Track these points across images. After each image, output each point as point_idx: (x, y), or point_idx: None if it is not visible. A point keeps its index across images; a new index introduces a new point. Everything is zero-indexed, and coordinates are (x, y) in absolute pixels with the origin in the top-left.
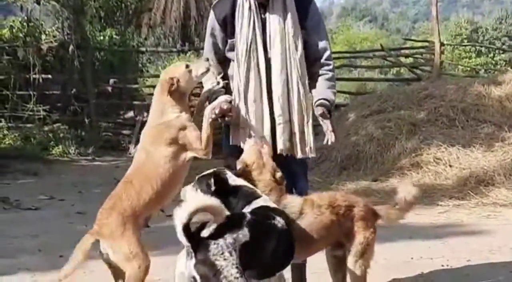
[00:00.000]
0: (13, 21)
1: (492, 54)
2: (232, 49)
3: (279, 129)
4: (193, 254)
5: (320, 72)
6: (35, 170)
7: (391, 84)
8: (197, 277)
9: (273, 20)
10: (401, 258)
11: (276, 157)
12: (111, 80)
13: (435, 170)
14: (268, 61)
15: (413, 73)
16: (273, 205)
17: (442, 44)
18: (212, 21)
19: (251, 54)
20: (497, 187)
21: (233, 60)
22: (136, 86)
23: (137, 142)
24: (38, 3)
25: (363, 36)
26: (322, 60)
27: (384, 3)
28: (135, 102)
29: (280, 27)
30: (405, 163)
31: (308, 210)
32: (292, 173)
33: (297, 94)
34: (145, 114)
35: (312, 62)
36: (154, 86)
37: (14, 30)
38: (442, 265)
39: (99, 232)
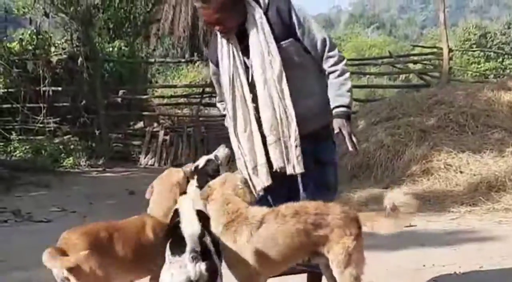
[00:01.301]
0: (23, 34)
1: (501, 59)
2: None
3: (271, 149)
4: (199, 258)
5: (328, 69)
6: (47, 182)
7: (400, 91)
8: (206, 278)
9: (252, 44)
10: (413, 266)
11: (287, 178)
12: (121, 92)
13: (446, 176)
14: (252, 87)
15: (422, 79)
16: None
17: (450, 50)
18: (211, 66)
19: (235, 83)
20: (509, 193)
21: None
22: (145, 97)
23: (147, 152)
24: (47, 16)
25: (371, 43)
26: (326, 54)
27: (391, 9)
28: (145, 113)
29: (258, 49)
30: (416, 170)
31: (270, 220)
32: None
33: (279, 110)
34: (155, 124)
35: (321, 61)
36: (163, 97)
37: (23, 43)
38: (455, 272)
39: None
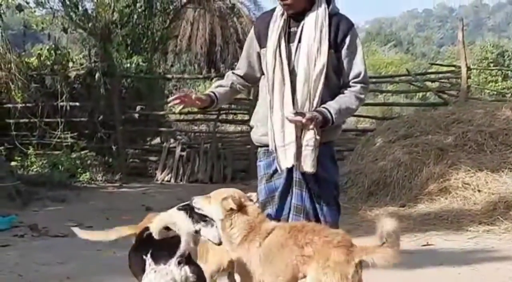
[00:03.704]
0: (41, 49)
1: None
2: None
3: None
4: (184, 261)
5: (346, 89)
6: (63, 196)
7: (418, 109)
8: (192, 279)
9: (304, 34)
10: None
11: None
12: (138, 107)
13: (464, 195)
14: (292, 73)
15: (439, 97)
16: None
17: (469, 68)
18: (250, 35)
19: (276, 61)
20: None
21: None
22: (162, 113)
23: (164, 168)
24: (66, 31)
25: (388, 60)
26: (351, 82)
27: (409, 27)
28: (162, 129)
29: (309, 42)
30: (433, 188)
31: (275, 232)
32: (318, 196)
33: (304, 106)
34: (172, 140)
35: (344, 85)
36: (180, 113)
37: (41, 58)
38: None
39: None
